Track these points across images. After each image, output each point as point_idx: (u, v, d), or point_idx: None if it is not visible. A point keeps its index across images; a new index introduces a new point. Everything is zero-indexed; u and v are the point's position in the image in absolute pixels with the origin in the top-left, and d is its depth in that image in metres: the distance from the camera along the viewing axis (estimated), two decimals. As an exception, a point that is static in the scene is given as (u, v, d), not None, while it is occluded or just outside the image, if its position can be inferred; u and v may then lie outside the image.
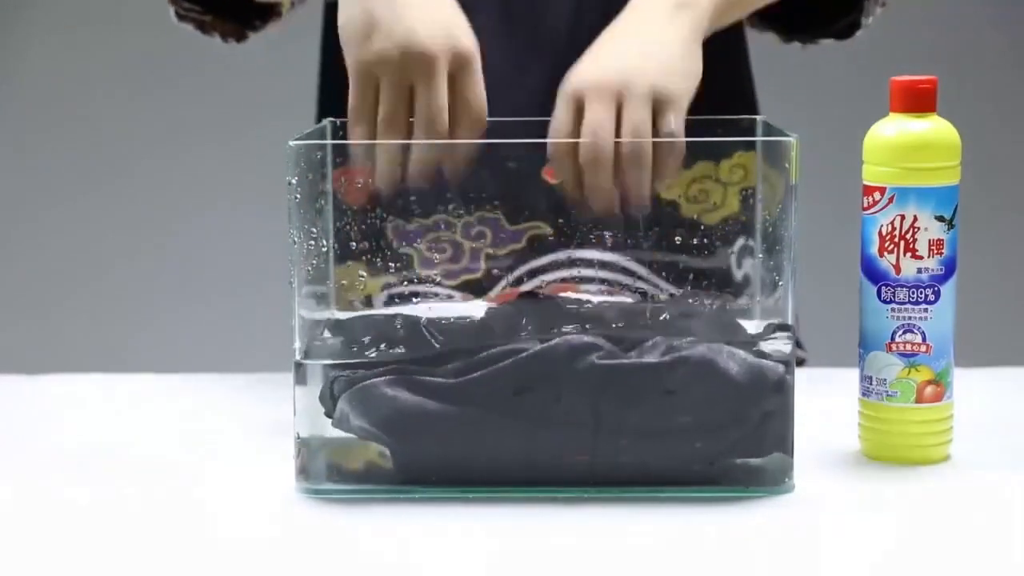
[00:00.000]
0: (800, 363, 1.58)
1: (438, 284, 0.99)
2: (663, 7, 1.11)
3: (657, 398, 0.93)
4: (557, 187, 1.00)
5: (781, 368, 0.95)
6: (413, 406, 0.93)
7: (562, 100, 1.06)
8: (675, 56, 1.08)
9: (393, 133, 1.02)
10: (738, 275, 0.99)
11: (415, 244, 0.99)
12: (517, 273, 1.01)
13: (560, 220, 0.99)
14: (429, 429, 0.94)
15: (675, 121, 1.04)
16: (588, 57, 1.09)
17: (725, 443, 0.94)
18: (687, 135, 1.03)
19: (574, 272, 1.01)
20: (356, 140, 1.02)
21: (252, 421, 1.11)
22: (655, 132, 1.03)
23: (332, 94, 1.52)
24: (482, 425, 0.94)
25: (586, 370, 0.93)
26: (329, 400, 0.96)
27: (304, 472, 0.96)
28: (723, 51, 1.34)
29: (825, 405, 1.12)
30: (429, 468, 0.95)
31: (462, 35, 1.04)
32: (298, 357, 0.96)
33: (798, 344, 1.57)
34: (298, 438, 0.96)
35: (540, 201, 1.00)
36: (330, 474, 0.96)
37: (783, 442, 0.95)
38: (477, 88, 1.04)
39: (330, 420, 0.96)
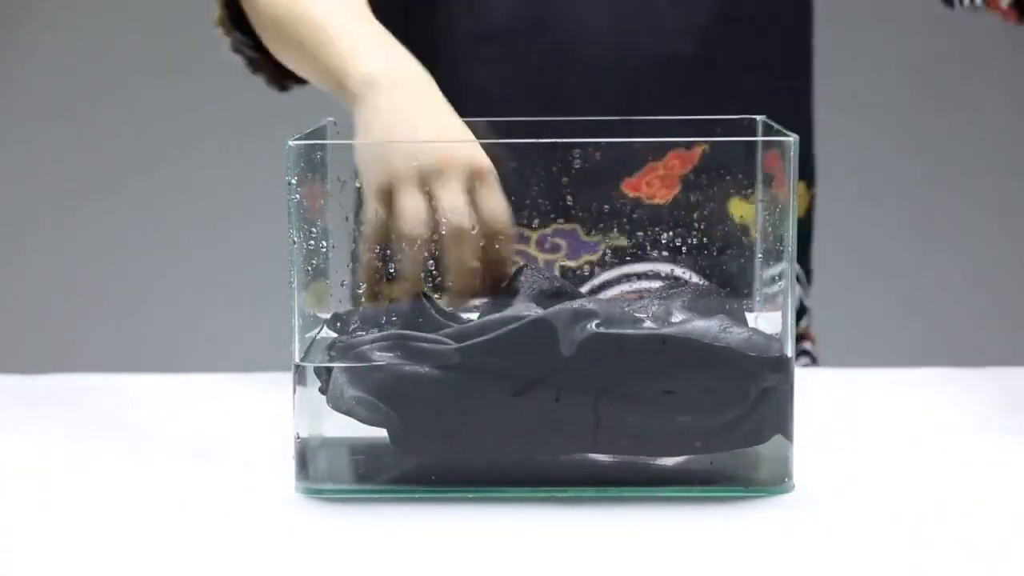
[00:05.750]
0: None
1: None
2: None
3: (655, 369, 0.92)
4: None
5: (779, 344, 0.94)
6: (410, 370, 0.93)
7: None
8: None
9: (420, 228, 0.97)
10: (760, 281, 0.98)
11: None
12: (590, 285, 1.01)
13: (632, 229, 0.97)
14: (426, 395, 0.93)
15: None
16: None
17: (725, 416, 0.93)
18: (686, 135, 1.02)
19: (642, 285, 1.00)
20: (374, 257, 0.97)
21: (252, 421, 1.11)
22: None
23: None
24: (480, 392, 0.93)
25: (584, 337, 0.92)
26: (324, 372, 0.95)
27: (304, 472, 0.96)
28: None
29: (826, 405, 1.12)
30: (425, 440, 0.94)
31: (477, 151, 1.00)
32: (298, 357, 0.96)
33: (808, 354, 1.57)
34: (298, 438, 0.96)
35: (617, 209, 0.98)
36: (330, 474, 0.96)
37: (783, 424, 0.94)
38: (497, 197, 0.98)
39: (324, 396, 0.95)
